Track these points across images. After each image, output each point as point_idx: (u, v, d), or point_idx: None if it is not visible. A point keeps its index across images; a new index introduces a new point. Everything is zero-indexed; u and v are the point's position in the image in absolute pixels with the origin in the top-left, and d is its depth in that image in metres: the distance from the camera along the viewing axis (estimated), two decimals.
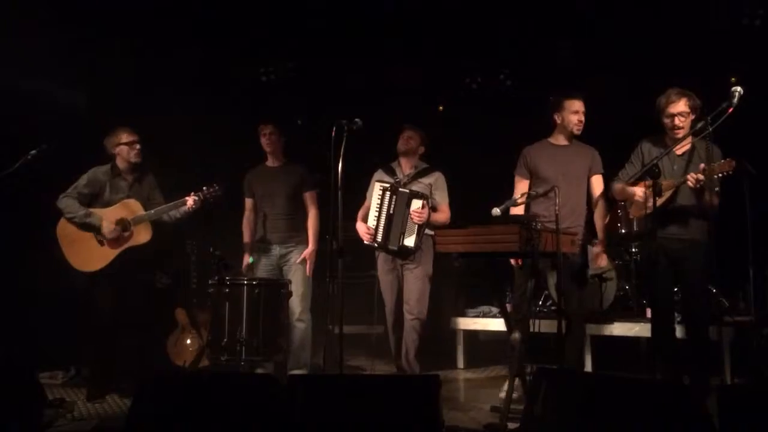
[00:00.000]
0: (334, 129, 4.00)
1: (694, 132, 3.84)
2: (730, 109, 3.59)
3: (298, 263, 5.11)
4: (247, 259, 5.27)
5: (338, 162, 3.93)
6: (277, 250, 5.19)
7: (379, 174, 5.10)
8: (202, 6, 5.90)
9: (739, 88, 3.61)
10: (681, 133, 4.06)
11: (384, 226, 4.82)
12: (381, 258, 5.03)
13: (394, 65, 6.68)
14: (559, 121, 4.39)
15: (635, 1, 5.58)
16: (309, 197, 5.23)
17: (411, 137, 5.02)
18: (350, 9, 6.00)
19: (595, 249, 4.47)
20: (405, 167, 5.05)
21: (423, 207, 4.73)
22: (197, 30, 6.10)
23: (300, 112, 6.95)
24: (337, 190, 3.92)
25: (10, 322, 5.19)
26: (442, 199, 4.97)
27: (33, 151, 4.51)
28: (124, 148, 4.81)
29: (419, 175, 4.99)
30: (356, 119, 4.05)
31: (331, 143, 3.95)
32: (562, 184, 4.14)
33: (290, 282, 5.05)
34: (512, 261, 4.44)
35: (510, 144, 4.77)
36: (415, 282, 4.86)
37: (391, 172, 5.07)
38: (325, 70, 6.73)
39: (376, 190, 4.91)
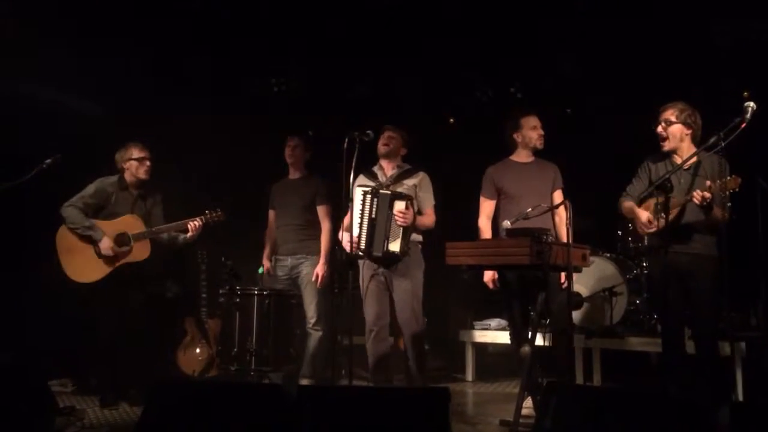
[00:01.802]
0: (346, 141, 4.00)
1: (706, 147, 3.83)
2: (743, 125, 3.58)
3: (311, 279, 5.06)
4: (267, 267, 5.30)
5: (350, 174, 3.93)
6: (288, 261, 5.20)
7: (361, 179, 4.72)
8: (214, 16, 5.94)
9: (752, 103, 3.59)
10: (666, 145, 4.08)
11: (367, 232, 4.44)
12: (366, 265, 4.64)
13: (404, 77, 6.70)
14: (519, 140, 4.49)
15: (646, 15, 5.58)
16: (321, 210, 5.18)
17: (392, 137, 4.70)
18: (360, 19, 6.03)
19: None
20: (387, 169, 4.73)
21: (407, 208, 4.41)
22: (209, 39, 6.15)
23: (311, 123, 6.98)
24: (348, 201, 3.91)
25: (21, 330, 5.21)
26: (427, 201, 4.68)
27: (48, 160, 4.53)
28: (134, 163, 4.79)
29: (402, 176, 4.69)
30: (368, 131, 4.06)
31: (343, 155, 3.96)
32: (528, 200, 4.22)
33: (301, 292, 5.06)
34: (489, 283, 4.48)
35: None
36: (407, 299, 4.54)
37: (373, 176, 4.73)
38: (336, 81, 6.76)
39: (357, 196, 4.52)
